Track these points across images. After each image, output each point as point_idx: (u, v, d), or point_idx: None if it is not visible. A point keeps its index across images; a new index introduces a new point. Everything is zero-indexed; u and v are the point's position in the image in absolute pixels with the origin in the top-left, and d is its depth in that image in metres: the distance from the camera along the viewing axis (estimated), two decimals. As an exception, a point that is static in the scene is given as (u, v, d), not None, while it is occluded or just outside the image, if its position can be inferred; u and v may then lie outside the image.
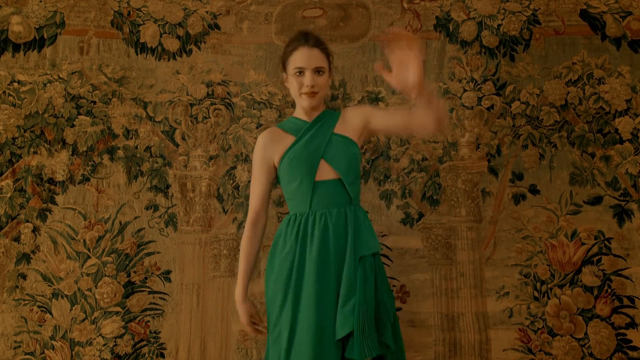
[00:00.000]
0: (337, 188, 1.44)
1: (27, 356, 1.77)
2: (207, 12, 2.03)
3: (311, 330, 1.30)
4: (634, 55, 1.98)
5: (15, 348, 1.77)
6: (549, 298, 1.88)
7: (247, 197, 1.96)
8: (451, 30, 2.04)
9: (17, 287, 1.80)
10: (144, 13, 2.00)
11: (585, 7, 2.02)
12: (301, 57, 1.43)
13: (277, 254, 1.42)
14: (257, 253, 1.54)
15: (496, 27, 2.03)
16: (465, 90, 2.01)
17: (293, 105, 1.98)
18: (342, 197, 1.44)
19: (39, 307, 1.80)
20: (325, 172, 1.44)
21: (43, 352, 1.78)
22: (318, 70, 1.43)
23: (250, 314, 1.50)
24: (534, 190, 1.94)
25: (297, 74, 1.44)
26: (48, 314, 1.80)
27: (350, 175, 1.45)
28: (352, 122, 1.51)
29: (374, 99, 2.01)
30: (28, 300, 1.80)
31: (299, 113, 1.53)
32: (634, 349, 1.83)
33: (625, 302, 1.86)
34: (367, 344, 1.25)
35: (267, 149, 1.49)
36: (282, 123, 1.58)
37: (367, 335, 1.25)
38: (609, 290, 1.87)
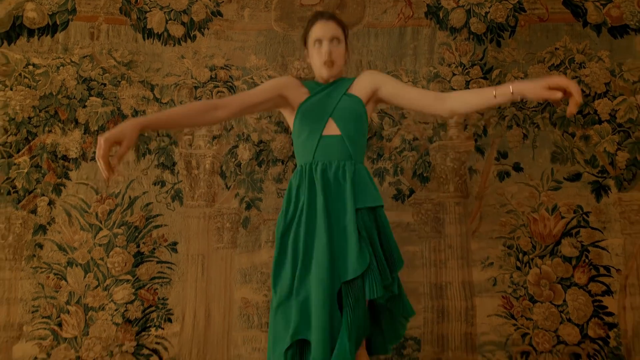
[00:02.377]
0: (339, 143, 1.53)
1: (45, 319, 1.90)
2: (210, 0, 2.15)
3: (324, 264, 1.39)
4: (614, 41, 2.10)
5: (33, 312, 1.90)
6: (530, 268, 2.01)
7: (248, 174, 2.10)
8: (441, 17, 2.16)
9: (34, 256, 1.93)
10: (150, 0, 2.12)
11: None
12: (319, 28, 1.54)
13: (291, 203, 1.51)
14: (189, 116, 1.43)
15: (484, 14, 2.15)
16: (454, 74, 2.13)
17: (292, 87, 2.10)
18: (343, 152, 1.52)
19: (54, 274, 1.93)
20: (332, 128, 1.53)
21: (59, 316, 1.91)
22: (335, 39, 1.54)
23: (121, 137, 1.21)
24: (517, 167, 2.07)
25: (316, 44, 1.55)
26: (63, 281, 1.93)
27: (350, 132, 1.53)
28: (363, 84, 1.60)
29: (368, 82, 2.12)
30: (45, 268, 1.93)
31: (319, 75, 1.62)
32: (609, 314, 1.96)
33: (602, 271, 1.99)
34: (372, 284, 1.38)
35: (287, 86, 1.57)
36: (305, 81, 1.66)
37: (372, 277, 1.38)
38: (587, 261, 2.00)
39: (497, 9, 2.14)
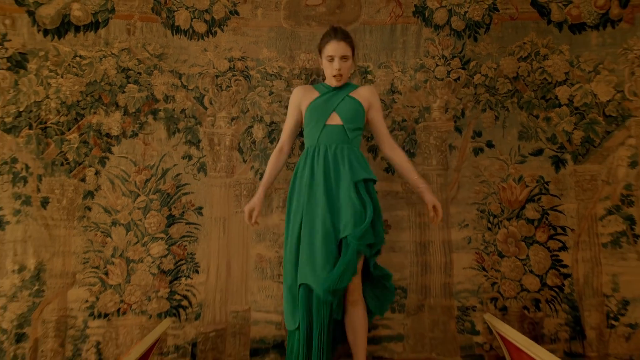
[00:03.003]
0: (340, 131, 1.96)
1: (94, 269, 2.27)
2: (228, 0, 2.49)
3: (324, 226, 1.81)
4: (573, 36, 2.44)
5: (84, 263, 2.27)
6: (499, 228, 2.38)
7: (261, 150, 2.46)
8: (426, 16, 2.50)
9: (84, 216, 2.29)
10: (177, 1, 2.46)
11: None
12: (332, 47, 1.94)
13: (297, 177, 1.93)
14: (277, 172, 2.08)
15: (463, 13, 2.49)
16: (437, 65, 2.48)
17: (299, 76, 2.46)
18: (342, 138, 1.95)
19: (101, 232, 2.29)
20: (335, 119, 1.97)
21: (105, 267, 2.28)
22: (344, 57, 1.95)
23: (254, 207, 1.98)
24: (489, 144, 2.42)
25: (329, 60, 1.95)
26: (109, 238, 2.30)
27: (350, 123, 1.96)
28: (365, 95, 2.05)
29: (364, 72, 2.47)
30: (93, 227, 2.30)
31: (329, 82, 2.04)
32: (564, 266, 2.34)
33: (559, 231, 2.36)
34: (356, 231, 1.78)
35: (299, 97, 2.04)
36: (316, 85, 2.12)
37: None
38: (546, 222, 2.37)
39: (475, 9, 2.48)
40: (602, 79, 2.39)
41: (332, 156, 1.90)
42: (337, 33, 1.97)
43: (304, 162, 1.96)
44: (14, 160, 2.25)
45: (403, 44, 2.49)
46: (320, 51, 2.02)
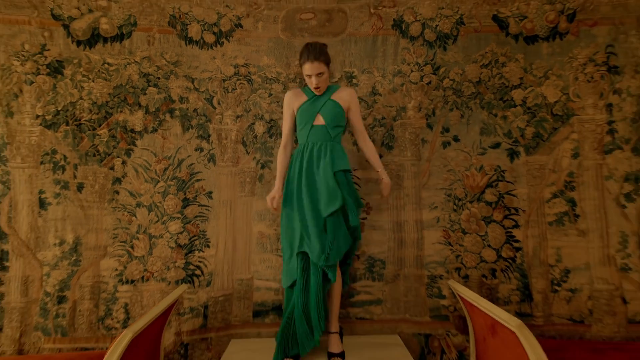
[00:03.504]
0: (324, 130, 2.38)
1: (122, 243, 2.69)
2: (233, 15, 2.88)
3: (310, 207, 2.25)
4: (527, 46, 2.84)
5: (113, 238, 2.68)
6: (463, 210, 2.80)
7: (262, 143, 2.88)
8: (403, 28, 2.91)
9: (113, 199, 2.70)
10: (190, 16, 2.86)
11: (496, 12, 2.88)
12: (308, 68, 2.31)
13: (291, 168, 2.37)
14: (286, 165, 2.46)
15: (434, 26, 2.90)
16: (412, 71, 2.89)
17: (294, 80, 2.87)
18: (326, 136, 2.38)
19: (127, 212, 2.71)
20: (319, 120, 2.39)
21: (131, 241, 2.70)
22: (319, 73, 2.33)
23: (274, 196, 2.39)
24: (456, 139, 2.83)
25: (307, 77, 2.35)
26: (134, 217, 2.71)
27: (332, 124, 2.38)
28: (345, 97, 2.45)
29: (349, 77, 2.88)
30: (121, 207, 2.71)
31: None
32: (517, 241, 2.75)
33: (512, 211, 2.77)
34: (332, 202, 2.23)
35: (291, 100, 2.45)
36: (304, 87, 2.51)
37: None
38: (502, 204, 2.79)
39: (444, 23, 2.89)
40: (550, 83, 2.80)
41: (317, 151, 2.34)
42: (311, 54, 2.29)
43: (296, 156, 2.40)
44: (54, 152, 2.67)
45: (383, 52, 2.90)
46: (301, 66, 2.39)
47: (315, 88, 2.36)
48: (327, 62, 2.38)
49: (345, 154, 2.41)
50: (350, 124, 2.54)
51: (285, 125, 2.51)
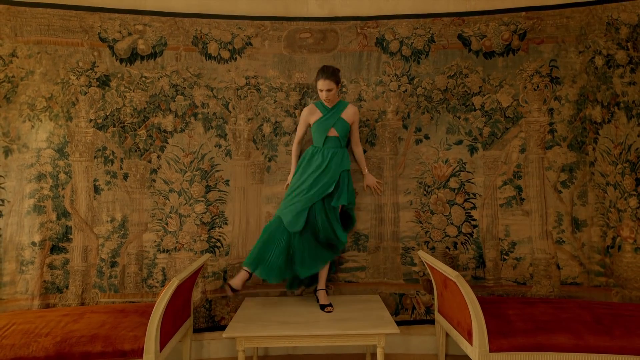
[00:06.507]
0: (336, 140, 3.10)
1: (158, 221, 3.38)
2: (244, 35, 3.51)
3: (314, 196, 2.97)
4: (485, 60, 3.44)
5: (152, 217, 3.36)
6: (431, 194, 3.45)
7: (269, 141, 3.53)
8: (384, 45, 3.52)
9: (151, 186, 3.38)
10: (209, 36, 3.49)
11: (461, 32, 3.47)
12: (320, 84, 3.01)
13: (306, 160, 3.09)
14: (298, 158, 3.20)
15: (410, 44, 3.51)
16: (391, 81, 3.50)
17: (294, 89, 3.51)
18: (337, 145, 3.09)
19: (162, 196, 3.39)
20: (333, 132, 3.10)
21: (166, 220, 3.39)
22: (329, 89, 3.01)
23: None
24: (426, 137, 3.46)
25: (320, 91, 3.04)
26: (167, 200, 3.40)
27: (342, 136, 3.09)
28: (350, 115, 3.15)
29: (340, 86, 3.52)
30: (157, 192, 3.39)
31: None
32: (474, 220, 3.40)
33: (471, 196, 3.42)
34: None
35: (307, 116, 3.16)
36: (317, 103, 3.19)
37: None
38: (463, 190, 3.43)
39: (418, 41, 3.50)
40: (504, 91, 3.41)
41: (330, 156, 3.06)
42: (324, 73, 3.00)
43: (311, 153, 3.12)
44: (105, 148, 3.35)
45: (367, 65, 3.52)
46: (316, 82, 3.08)
47: (325, 102, 3.09)
48: (337, 82, 3.04)
49: (349, 157, 3.13)
50: (350, 133, 3.23)
51: (299, 132, 3.26)
